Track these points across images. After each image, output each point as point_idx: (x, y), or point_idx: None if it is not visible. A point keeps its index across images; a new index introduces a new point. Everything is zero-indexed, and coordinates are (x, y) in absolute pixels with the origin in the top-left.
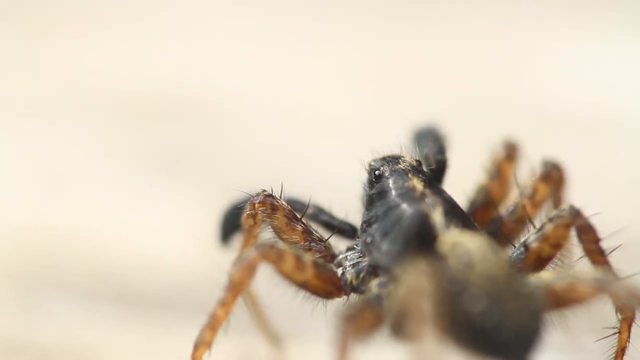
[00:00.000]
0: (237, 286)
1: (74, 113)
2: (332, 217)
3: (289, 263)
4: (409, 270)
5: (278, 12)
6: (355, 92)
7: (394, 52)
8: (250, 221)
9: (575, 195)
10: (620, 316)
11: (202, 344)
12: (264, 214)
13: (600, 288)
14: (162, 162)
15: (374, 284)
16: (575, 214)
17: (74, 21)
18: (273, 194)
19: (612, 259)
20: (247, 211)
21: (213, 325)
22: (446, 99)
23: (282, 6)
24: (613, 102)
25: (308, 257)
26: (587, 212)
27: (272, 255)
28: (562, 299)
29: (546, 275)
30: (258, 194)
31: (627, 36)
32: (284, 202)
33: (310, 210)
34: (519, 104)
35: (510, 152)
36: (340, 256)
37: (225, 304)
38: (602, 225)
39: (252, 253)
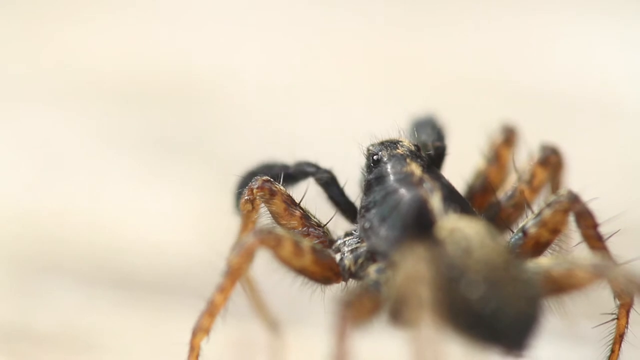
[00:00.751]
0: (236, 272)
1: (71, 98)
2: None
3: (287, 249)
4: (407, 256)
5: None
6: (353, 75)
7: (392, 34)
8: (249, 206)
9: (574, 179)
10: (618, 302)
11: (200, 330)
12: (262, 199)
13: (598, 274)
14: (160, 147)
15: (372, 270)
16: (574, 199)
17: (69, 5)
18: (271, 179)
19: (611, 244)
20: (245, 196)
21: (211, 311)
22: (444, 83)
23: None
24: (612, 87)
25: (306, 243)
26: (585, 197)
27: (271, 241)
28: (560, 285)
29: (544, 261)
30: (256, 179)
31: (629, 20)
32: (282, 187)
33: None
34: (517, 88)
35: (509, 137)
36: (339, 242)
37: (224, 289)
38: (601, 211)
39: (250, 239)
